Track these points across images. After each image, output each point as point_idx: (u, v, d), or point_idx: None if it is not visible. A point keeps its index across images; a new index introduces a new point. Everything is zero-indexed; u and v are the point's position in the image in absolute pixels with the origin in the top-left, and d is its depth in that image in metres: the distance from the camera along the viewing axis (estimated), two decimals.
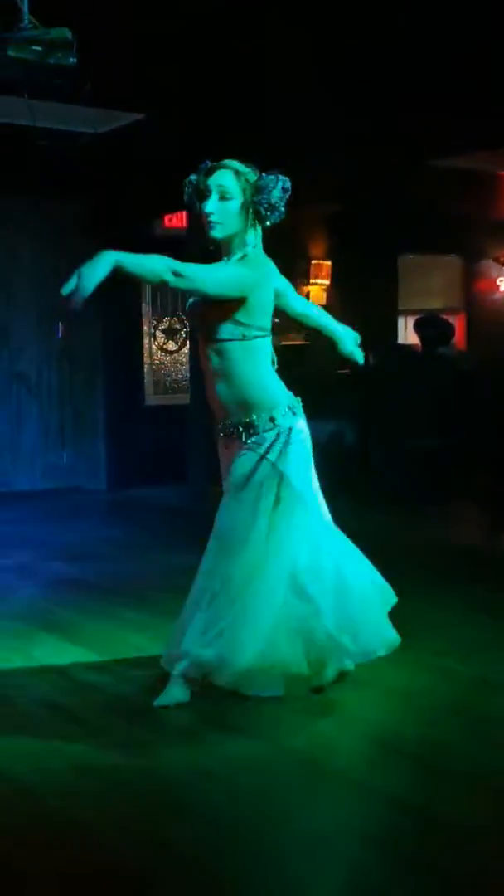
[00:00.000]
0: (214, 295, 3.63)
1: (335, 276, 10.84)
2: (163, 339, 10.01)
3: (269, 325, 3.81)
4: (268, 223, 3.74)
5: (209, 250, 3.77)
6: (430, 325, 9.72)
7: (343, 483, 8.81)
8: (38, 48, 4.89)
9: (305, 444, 3.83)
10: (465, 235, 11.41)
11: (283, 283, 4.00)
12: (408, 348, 10.63)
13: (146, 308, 9.84)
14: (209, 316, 3.73)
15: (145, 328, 9.90)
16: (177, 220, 9.43)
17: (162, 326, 10.01)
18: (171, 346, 10.05)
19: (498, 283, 12.12)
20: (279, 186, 3.69)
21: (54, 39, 4.85)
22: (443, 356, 9.42)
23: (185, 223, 9.22)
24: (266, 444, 3.75)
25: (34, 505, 8.64)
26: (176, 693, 3.71)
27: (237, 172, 3.69)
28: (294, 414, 3.82)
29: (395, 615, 3.89)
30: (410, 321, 10.92)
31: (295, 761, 3.32)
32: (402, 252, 11.37)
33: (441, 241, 11.28)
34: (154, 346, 9.94)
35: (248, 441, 3.76)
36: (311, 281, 10.75)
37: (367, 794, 3.06)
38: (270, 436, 3.75)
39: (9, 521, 7.84)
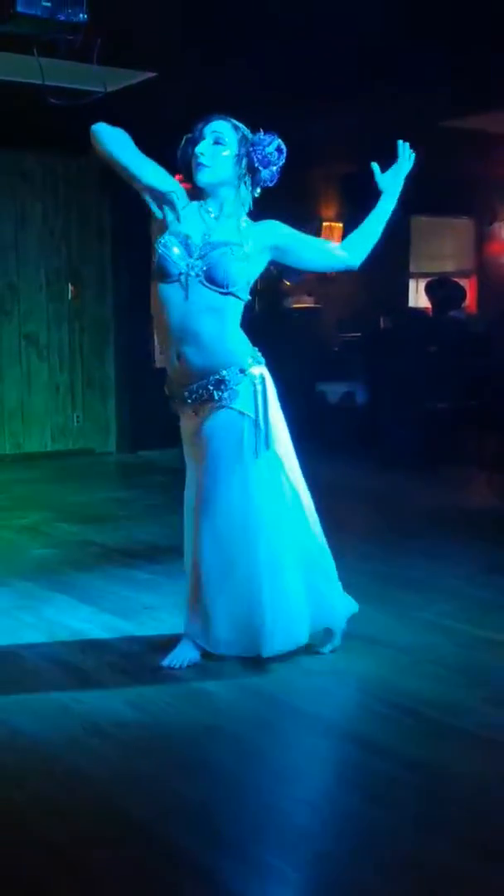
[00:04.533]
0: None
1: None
2: None
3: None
4: (259, 183, 3.66)
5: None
6: (441, 288, 9.67)
7: (355, 444, 8.87)
8: (48, 4, 4.84)
9: (274, 392, 3.76)
10: (477, 197, 11.32)
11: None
12: (419, 311, 10.59)
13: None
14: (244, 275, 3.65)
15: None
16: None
17: None
18: None
19: None
20: (275, 144, 3.65)
21: None
22: (454, 319, 9.39)
23: None
24: (240, 398, 3.65)
25: (44, 466, 8.65)
26: (188, 653, 3.74)
27: (235, 126, 3.66)
28: (258, 362, 3.74)
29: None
30: (422, 284, 10.86)
31: (302, 719, 3.34)
32: (413, 214, 11.29)
33: (453, 203, 11.20)
34: None
35: (222, 397, 3.64)
36: None
37: (374, 751, 3.08)
38: (244, 388, 3.65)
39: (19, 483, 7.86)
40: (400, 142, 3.87)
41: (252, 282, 3.71)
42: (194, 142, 3.63)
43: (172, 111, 3.71)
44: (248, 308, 3.74)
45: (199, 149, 3.61)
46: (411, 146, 3.92)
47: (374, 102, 7.61)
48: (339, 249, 3.92)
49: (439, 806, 2.75)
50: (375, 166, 3.87)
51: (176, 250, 3.59)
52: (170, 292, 3.62)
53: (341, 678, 3.64)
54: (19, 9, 4.85)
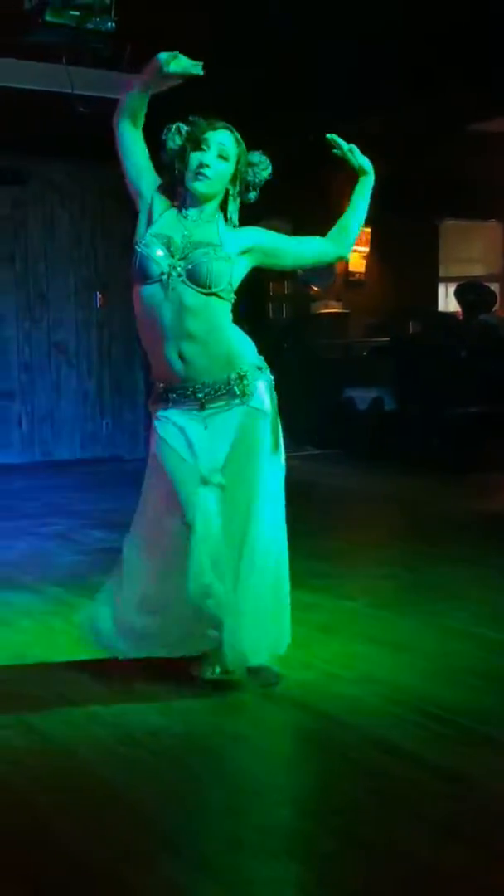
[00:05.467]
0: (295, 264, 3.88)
1: (374, 243, 10.75)
2: None
3: None
4: (243, 201, 3.66)
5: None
6: (470, 292, 9.64)
7: (383, 448, 8.84)
8: (76, 13, 4.88)
9: None
10: None
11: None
12: (448, 316, 10.56)
13: None
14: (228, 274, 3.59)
15: None
16: None
17: None
18: None
19: None
20: (269, 169, 3.66)
21: (92, 4, 4.83)
22: (484, 323, 9.35)
23: None
24: (257, 396, 3.60)
25: (74, 474, 8.69)
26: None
27: (238, 140, 3.62)
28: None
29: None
30: (451, 288, 10.83)
31: (329, 726, 3.33)
32: (442, 218, 11.26)
33: (482, 207, 11.15)
34: None
35: (245, 393, 3.57)
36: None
37: (401, 758, 3.06)
38: (261, 386, 3.61)
39: (49, 490, 7.89)
40: (327, 137, 3.79)
41: (236, 285, 3.63)
42: (195, 145, 3.55)
43: (201, 116, 3.74)
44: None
45: (204, 159, 3.54)
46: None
47: (403, 105, 7.59)
48: (326, 241, 3.84)
49: (464, 813, 2.73)
50: (335, 138, 3.80)
51: (159, 252, 3.54)
52: (152, 293, 3.55)
53: (369, 685, 3.61)
54: (48, 18, 4.89)
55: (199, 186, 3.57)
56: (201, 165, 3.55)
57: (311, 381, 9.07)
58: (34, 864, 2.54)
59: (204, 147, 3.56)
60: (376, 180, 3.96)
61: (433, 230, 11.25)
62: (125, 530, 3.77)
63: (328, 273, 10.52)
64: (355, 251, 10.70)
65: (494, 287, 10.97)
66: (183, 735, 3.26)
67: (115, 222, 9.46)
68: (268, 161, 3.67)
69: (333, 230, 3.88)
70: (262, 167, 3.65)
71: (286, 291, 10.45)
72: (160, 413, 3.65)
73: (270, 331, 9.11)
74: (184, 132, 3.60)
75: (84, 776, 3.00)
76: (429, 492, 7.53)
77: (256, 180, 3.65)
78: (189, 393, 3.58)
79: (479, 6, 5.85)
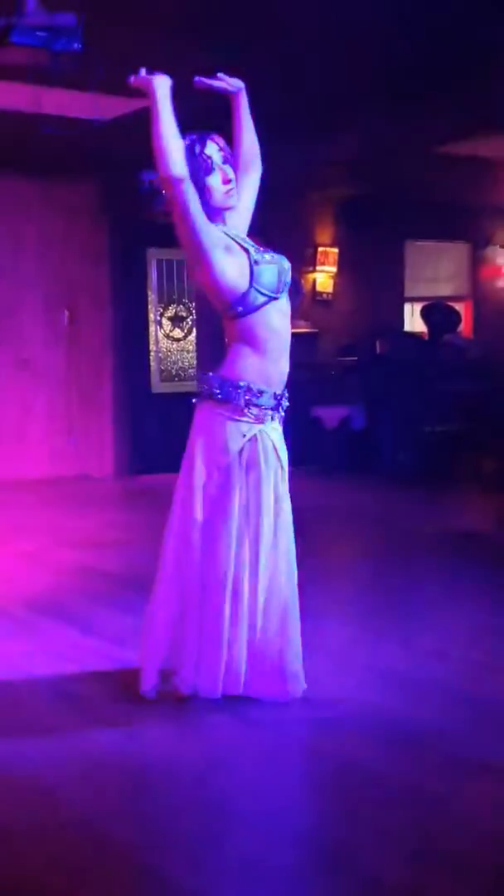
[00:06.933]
0: None
1: (342, 263, 10.80)
2: (169, 327, 9.98)
3: None
4: None
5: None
6: (436, 313, 9.73)
7: (352, 466, 8.87)
8: (43, 34, 4.87)
9: None
10: (472, 222, 11.37)
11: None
12: (414, 335, 10.63)
13: (152, 296, 9.81)
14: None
15: (151, 316, 9.87)
16: None
17: (168, 314, 9.97)
18: (178, 333, 10.02)
19: None
20: None
21: (59, 25, 4.83)
22: (449, 343, 9.43)
23: None
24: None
25: (41, 492, 8.63)
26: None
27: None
28: None
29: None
30: (417, 308, 10.90)
31: (302, 751, 3.32)
32: (409, 238, 11.33)
33: (448, 228, 11.24)
34: (160, 334, 9.92)
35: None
36: (318, 268, 10.71)
37: (372, 781, 3.05)
38: None
39: (16, 508, 7.83)
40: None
41: None
42: (207, 170, 3.47)
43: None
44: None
45: (226, 174, 3.50)
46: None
47: (370, 129, 7.65)
48: (249, 171, 3.70)
49: (444, 835, 2.72)
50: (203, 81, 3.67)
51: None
52: (284, 304, 3.61)
53: (344, 707, 3.60)
54: (14, 39, 4.88)
55: (234, 200, 3.56)
56: (228, 181, 3.52)
57: None
58: (6, 891, 2.50)
59: (214, 166, 3.51)
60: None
61: (400, 250, 11.32)
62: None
63: (296, 292, 10.55)
64: (323, 271, 10.78)
65: (460, 307, 11.05)
66: (154, 758, 3.23)
67: (86, 239, 9.44)
68: None
69: (245, 154, 3.71)
70: None
71: None
72: (268, 426, 3.59)
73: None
74: (196, 153, 3.50)
75: (53, 804, 2.94)
76: (397, 508, 7.55)
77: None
78: (285, 402, 3.66)
79: (449, 33, 5.91)
